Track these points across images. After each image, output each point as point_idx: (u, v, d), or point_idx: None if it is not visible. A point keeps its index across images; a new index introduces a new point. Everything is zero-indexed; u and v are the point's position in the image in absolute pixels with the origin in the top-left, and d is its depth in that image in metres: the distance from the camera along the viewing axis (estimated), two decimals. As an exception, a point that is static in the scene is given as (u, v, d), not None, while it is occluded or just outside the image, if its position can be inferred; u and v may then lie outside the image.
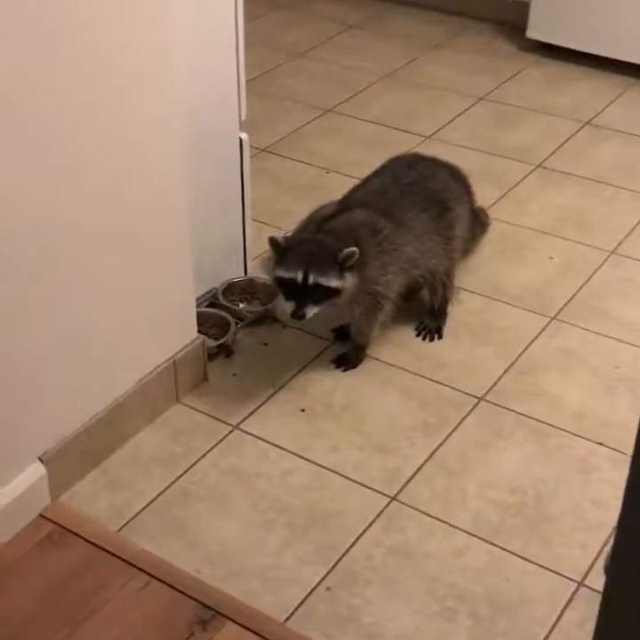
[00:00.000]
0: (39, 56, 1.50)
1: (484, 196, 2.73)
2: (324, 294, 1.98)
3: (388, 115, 3.18)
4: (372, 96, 3.30)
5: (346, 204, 2.14)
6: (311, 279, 1.95)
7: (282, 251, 2.00)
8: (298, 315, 1.97)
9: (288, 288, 1.98)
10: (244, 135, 2.20)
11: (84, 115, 1.61)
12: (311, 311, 1.97)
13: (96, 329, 1.80)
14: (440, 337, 2.21)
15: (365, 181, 2.24)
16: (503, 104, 3.25)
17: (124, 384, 1.91)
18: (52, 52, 1.51)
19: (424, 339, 2.21)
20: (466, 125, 3.13)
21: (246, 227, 2.33)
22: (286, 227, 2.58)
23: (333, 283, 1.96)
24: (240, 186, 2.26)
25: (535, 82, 3.40)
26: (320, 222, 2.07)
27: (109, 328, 1.83)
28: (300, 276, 1.96)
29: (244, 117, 2.17)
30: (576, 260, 2.49)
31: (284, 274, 1.97)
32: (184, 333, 2.02)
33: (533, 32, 3.55)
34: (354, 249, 1.95)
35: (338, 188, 2.77)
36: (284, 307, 2.00)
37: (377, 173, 2.25)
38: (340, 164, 2.89)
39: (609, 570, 0.94)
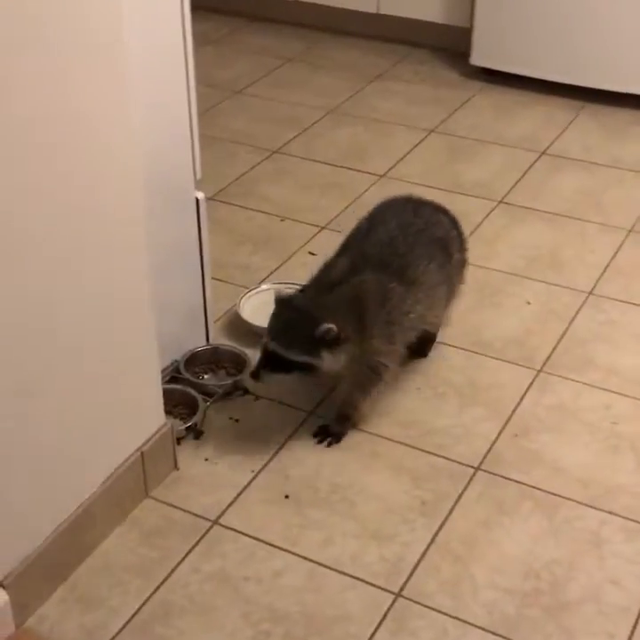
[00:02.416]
0: None
1: (450, 237, 2.61)
2: (287, 365, 1.84)
3: (338, 153, 3.02)
4: (318, 133, 3.14)
5: (355, 262, 1.95)
6: (271, 346, 1.84)
7: (275, 308, 1.90)
8: (252, 374, 1.89)
9: (262, 346, 1.87)
10: (200, 194, 2.01)
11: (40, 190, 1.41)
12: (267, 377, 1.86)
13: (58, 429, 1.59)
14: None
15: (370, 230, 2.03)
16: (455, 136, 3.12)
17: (90, 486, 1.70)
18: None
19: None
20: (420, 161, 2.99)
21: (206, 289, 2.15)
22: (247, 282, 2.41)
23: (299, 357, 1.82)
24: (198, 247, 2.08)
25: (484, 110, 3.29)
26: (326, 286, 1.92)
27: (72, 426, 1.62)
28: (267, 339, 1.85)
29: (199, 176, 1.99)
30: (554, 304, 2.36)
31: (263, 331, 1.89)
32: (151, 421, 1.82)
33: (477, 58, 3.44)
34: (330, 326, 1.79)
35: (295, 238, 2.62)
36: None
37: (381, 220, 2.04)
38: (294, 211, 2.72)
39: None
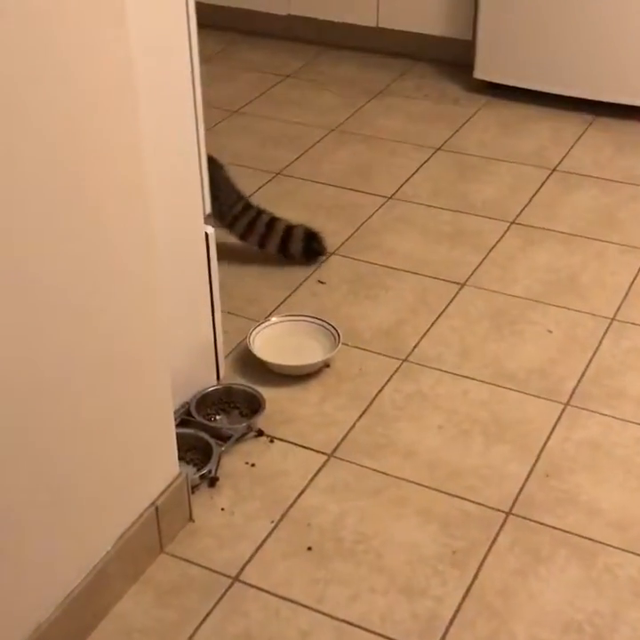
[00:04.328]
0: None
1: (465, 259, 2.52)
2: None
3: (343, 174, 2.93)
4: (321, 154, 3.05)
5: None
6: None
7: None
8: None
9: None
10: (209, 229, 1.92)
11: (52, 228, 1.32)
12: None
13: (67, 488, 1.49)
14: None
15: None
16: (462, 154, 3.03)
17: (103, 546, 1.60)
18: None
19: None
20: (428, 181, 2.90)
21: (217, 325, 2.05)
22: (255, 314, 2.31)
23: None
24: (208, 283, 1.98)
25: (490, 126, 3.20)
26: None
27: (82, 483, 1.52)
28: None
29: (208, 210, 1.90)
30: (576, 332, 2.27)
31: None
32: (165, 472, 1.72)
33: (481, 72, 3.35)
34: None
35: (303, 265, 2.52)
36: None
37: None
38: (301, 236, 2.63)
39: None
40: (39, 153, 1.27)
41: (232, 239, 2.48)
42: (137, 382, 1.59)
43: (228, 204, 2.42)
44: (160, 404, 1.67)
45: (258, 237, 2.48)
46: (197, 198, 1.86)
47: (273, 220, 2.49)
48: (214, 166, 2.30)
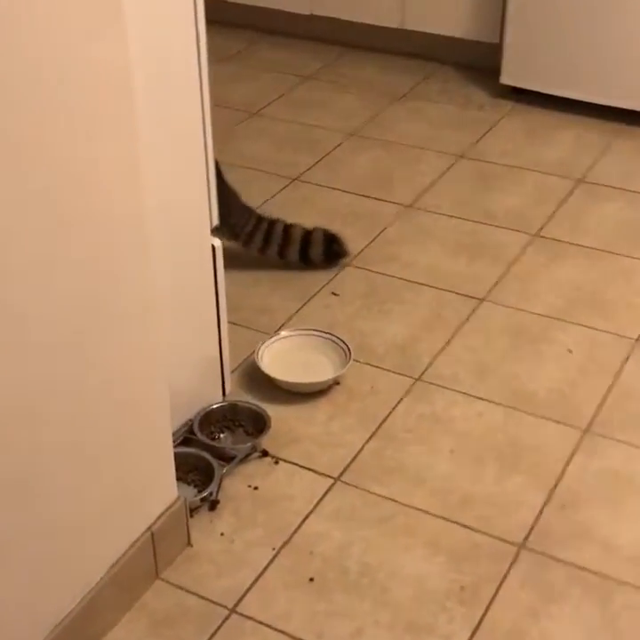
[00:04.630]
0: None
1: (484, 273, 2.44)
2: None
3: (361, 181, 2.85)
4: (339, 159, 2.97)
5: None
6: None
7: None
8: None
9: None
10: (216, 242, 1.84)
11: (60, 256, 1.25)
12: None
13: (60, 513, 1.42)
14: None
15: None
16: (485, 162, 2.94)
17: (97, 571, 1.53)
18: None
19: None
20: (448, 189, 2.81)
21: (223, 340, 1.98)
22: (264, 326, 2.24)
23: None
24: (214, 296, 1.91)
25: (515, 134, 3.10)
26: None
27: (75, 508, 1.45)
28: None
29: (216, 222, 1.82)
30: (598, 353, 2.18)
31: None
32: (162, 496, 1.65)
33: (508, 77, 3.25)
34: None
35: (317, 276, 2.44)
36: None
37: None
38: (315, 245, 2.56)
39: None
40: (29, 168, 1.20)
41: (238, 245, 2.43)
42: (134, 406, 1.52)
43: (240, 225, 2.36)
44: (158, 427, 1.59)
45: (277, 248, 2.42)
46: (204, 209, 1.78)
47: (288, 228, 2.42)
48: (222, 183, 2.24)
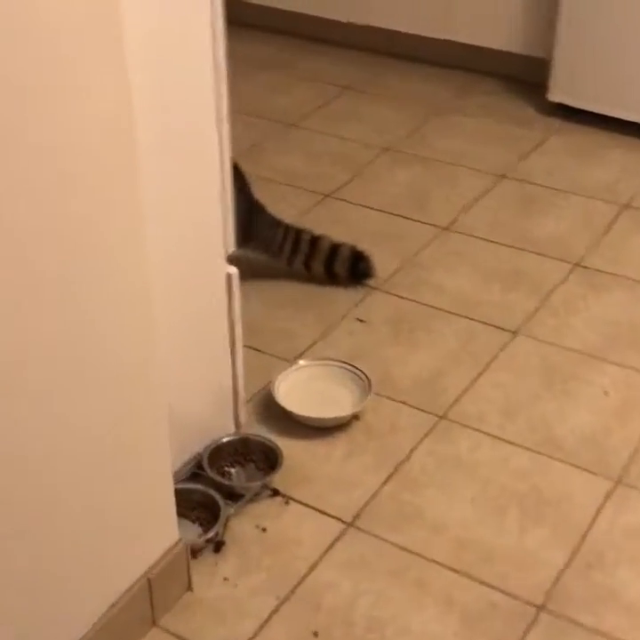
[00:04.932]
0: None
1: (519, 304, 2.32)
2: None
3: (396, 199, 2.74)
4: (374, 175, 2.87)
5: None
6: None
7: None
8: None
9: None
10: (232, 270, 1.76)
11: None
12: None
13: (50, 556, 1.35)
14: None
15: None
16: (528, 183, 2.82)
17: (88, 619, 1.46)
18: None
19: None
20: (487, 211, 2.70)
21: (237, 370, 1.89)
22: (285, 352, 2.15)
23: None
24: (228, 325, 1.82)
25: (561, 154, 2.97)
26: None
27: (67, 551, 1.38)
28: None
29: (231, 249, 1.74)
30: (636, 396, 2.06)
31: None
32: (161, 539, 1.56)
33: (555, 94, 3.12)
34: None
35: (342, 300, 2.35)
36: None
37: None
38: (343, 268, 2.46)
39: None
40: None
41: (263, 265, 2.35)
42: (132, 445, 1.44)
43: (270, 236, 2.34)
44: (158, 467, 1.51)
45: (303, 257, 2.37)
46: (218, 236, 1.70)
47: (315, 239, 2.38)
48: (247, 195, 2.24)
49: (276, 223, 2.35)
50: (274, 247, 2.35)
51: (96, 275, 1.27)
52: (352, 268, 2.39)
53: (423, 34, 3.41)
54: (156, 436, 1.48)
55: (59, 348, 1.24)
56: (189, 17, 1.48)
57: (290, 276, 2.40)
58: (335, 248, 2.38)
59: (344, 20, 3.53)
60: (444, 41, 3.40)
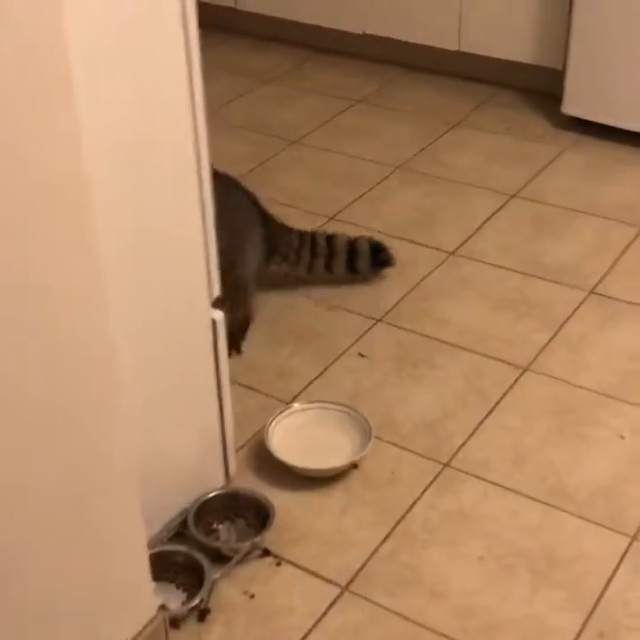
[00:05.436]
0: None
1: (530, 336, 2.20)
2: None
3: (403, 222, 2.61)
4: (381, 196, 2.74)
5: None
6: None
7: None
8: None
9: None
10: (217, 315, 1.64)
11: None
12: None
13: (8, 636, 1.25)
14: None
15: None
16: (540, 202, 2.68)
17: None
18: None
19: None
20: (497, 234, 2.57)
21: (226, 420, 1.78)
22: (281, 392, 2.04)
23: None
24: (215, 377, 1.70)
25: (576, 170, 2.83)
26: None
27: (33, 629, 1.28)
28: None
29: (217, 293, 1.63)
30: (655, 440, 1.93)
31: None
32: (136, 615, 1.45)
33: (570, 107, 2.98)
34: None
35: (344, 332, 2.23)
36: None
37: None
38: (345, 296, 2.32)
39: None
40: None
41: (262, 297, 2.25)
42: (103, 511, 1.33)
43: (285, 243, 2.30)
44: (131, 535, 1.40)
45: (323, 260, 2.33)
46: (202, 279, 1.58)
47: (330, 238, 2.35)
48: (257, 207, 2.25)
49: (288, 231, 2.33)
50: (292, 255, 2.31)
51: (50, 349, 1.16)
52: (373, 261, 2.38)
53: (436, 45, 3.27)
54: (126, 507, 1.36)
55: (15, 406, 1.13)
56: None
57: (294, 307, 2.29)
58: (353, 244, 2.36)
59: (358, 31, 3.40)
60: (457, 52, 3.26)
